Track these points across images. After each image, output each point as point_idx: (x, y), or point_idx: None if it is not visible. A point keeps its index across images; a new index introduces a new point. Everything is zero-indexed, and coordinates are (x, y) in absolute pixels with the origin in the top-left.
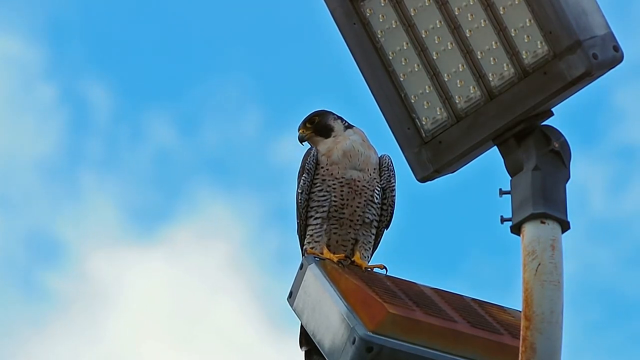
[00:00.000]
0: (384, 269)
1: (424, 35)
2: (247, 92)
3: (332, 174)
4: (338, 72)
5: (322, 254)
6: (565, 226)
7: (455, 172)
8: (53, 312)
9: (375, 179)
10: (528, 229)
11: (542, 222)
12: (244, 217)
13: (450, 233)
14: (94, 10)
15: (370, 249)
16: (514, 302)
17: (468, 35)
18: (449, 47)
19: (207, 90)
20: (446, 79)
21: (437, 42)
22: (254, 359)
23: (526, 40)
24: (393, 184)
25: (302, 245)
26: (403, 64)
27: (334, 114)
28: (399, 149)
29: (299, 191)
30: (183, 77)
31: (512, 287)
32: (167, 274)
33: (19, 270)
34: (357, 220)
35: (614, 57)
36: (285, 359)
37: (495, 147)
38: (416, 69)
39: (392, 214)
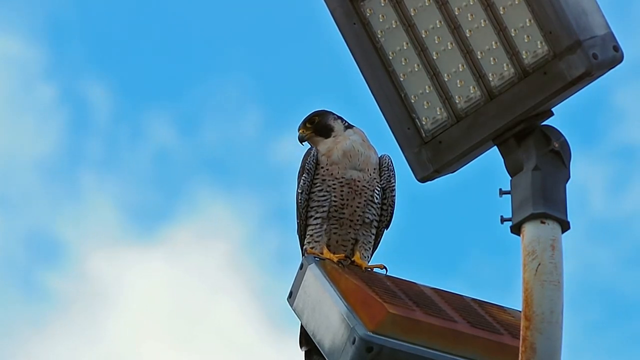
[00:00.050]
0: (384, 269)
1: (424, 35)
2: (247, 92)
3: (332, 174)
4: (338, 72)
5: (322, 254)
6: (565, 226)
7: (455, 172)
8: (53, 312)
9: (375, 179)
10: (528, 229)
11: (542, 222)
12: (244, 217)
13: (450, 233)
14: (93, 10)
15: (370, 249)
16: (514, 302)
17: (468, 35)
18: (449, 47)
19: (207, 90)
20: (446, 79)
21: (437, 42)
22: (254, 359)
23: (526, 40)
24: (393, 184)
25: (302, 245)
26: (403, 64)
27: (334, 114)
28: (399, 149)
29: (299, 191)
30: (183, 77)
31: (512, 287)
32: (167, 274)
33: (19, 270)
34: (357, 220)
35: (614, 57)
36: (285, 359)
37: (495, 147)
38: (416, 69)
39: (392, 214)
